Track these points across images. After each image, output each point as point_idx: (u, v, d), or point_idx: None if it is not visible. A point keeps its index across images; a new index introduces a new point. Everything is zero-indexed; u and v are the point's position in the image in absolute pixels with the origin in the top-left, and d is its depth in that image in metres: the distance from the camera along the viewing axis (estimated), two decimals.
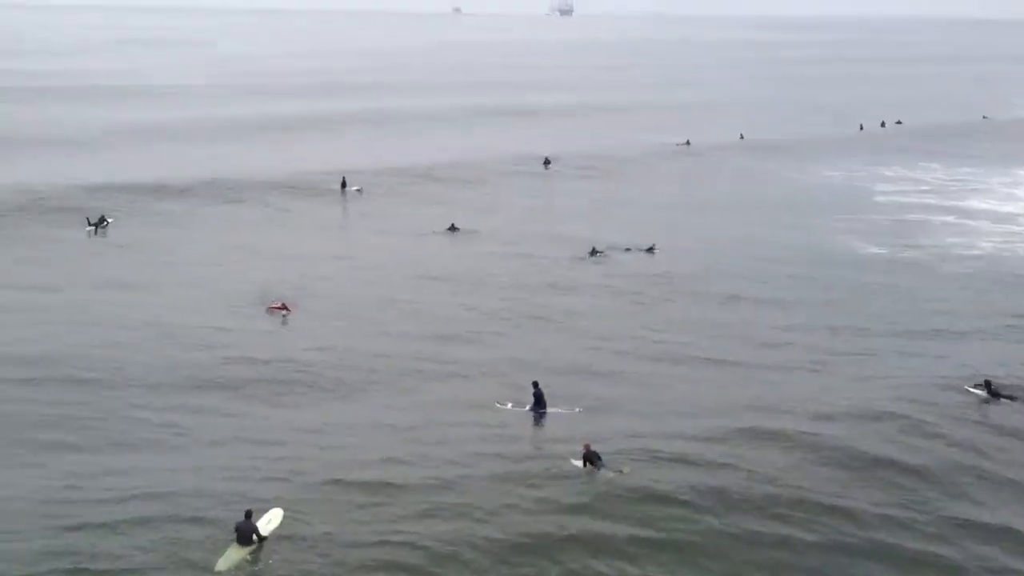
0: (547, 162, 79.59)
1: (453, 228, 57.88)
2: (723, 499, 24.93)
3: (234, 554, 22.05)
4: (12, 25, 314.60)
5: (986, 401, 32.20)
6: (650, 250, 54.01)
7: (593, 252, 53.26)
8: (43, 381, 32.73)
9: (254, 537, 22.37)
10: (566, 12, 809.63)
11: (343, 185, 67.00)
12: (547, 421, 30.97)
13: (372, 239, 56.51)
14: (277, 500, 24.14)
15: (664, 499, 24.90)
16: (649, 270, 50.48)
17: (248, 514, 22.71)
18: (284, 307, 40.98)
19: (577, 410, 31.53)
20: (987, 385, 32.50)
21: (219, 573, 21.50)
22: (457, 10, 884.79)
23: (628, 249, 54.18)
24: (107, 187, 61.73)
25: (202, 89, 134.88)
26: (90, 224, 55.33)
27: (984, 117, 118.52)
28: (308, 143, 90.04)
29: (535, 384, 31.66)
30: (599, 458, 26.43)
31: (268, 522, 23.03)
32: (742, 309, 43.98)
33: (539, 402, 31.27)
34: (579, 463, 26.46)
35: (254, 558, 22.08)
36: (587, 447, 26.63)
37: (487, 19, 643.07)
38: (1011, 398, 32.20)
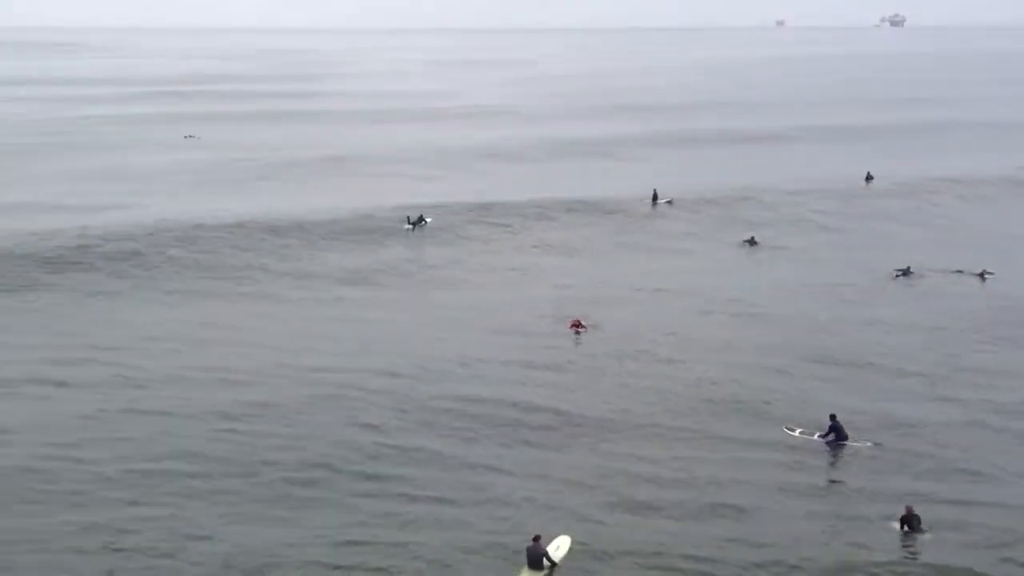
0: (869, 178, 75.80)
1: (753, 241, 56.82)
2: None
3: None
4: (318, 54, 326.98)
5: None
6: (982, 275, 49.71)
7: (905, 272, 50.02)
8: (362, 372, 34.87)
9: (544, 561, 22.56)
10: (897, 23, 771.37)
11: (654, 198, 67.24)
12: (843, 454, 29.37)
13: (676, 250, 56.42)
14: (566, 525, 24.37)
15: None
16: (975, 296, 46.76)
17: (536, 538, 22.87)
18: (580, 324, 41.09)
19: (868, 444, 29.62)
20: None
21: None
22: (780, 23, 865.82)
23: (960, 271, 50.35)
24: (431, 204, 63.77)
25: (525, 109, 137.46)
26: (409, 223, 58.74)
27: None
28: (623, 160, 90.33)
29: (832, 416, 30.08)
30: (920, 521, 24.62)
31: (556, 548, 23.22)
32: None
33: (838, 433, 29.71)
34: (896, 525, 24.78)
35: None
36: (909, 509, 24.80)
37: (811, 32, 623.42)
38: None
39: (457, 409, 32.10)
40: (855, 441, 29.71)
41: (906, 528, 24.50)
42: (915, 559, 23.41)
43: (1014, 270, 50.66)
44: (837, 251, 55.91)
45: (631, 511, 25.45)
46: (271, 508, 25.45)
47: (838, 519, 25.27)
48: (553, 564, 22.62)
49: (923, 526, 24.39)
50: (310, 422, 30.78)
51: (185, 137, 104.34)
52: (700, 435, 30.59)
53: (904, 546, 23.97)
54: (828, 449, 29.55)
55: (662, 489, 26.68)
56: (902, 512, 24.68)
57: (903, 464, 28.48)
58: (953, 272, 50.34)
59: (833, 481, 27.95)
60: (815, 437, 29.92)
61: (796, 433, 30.31)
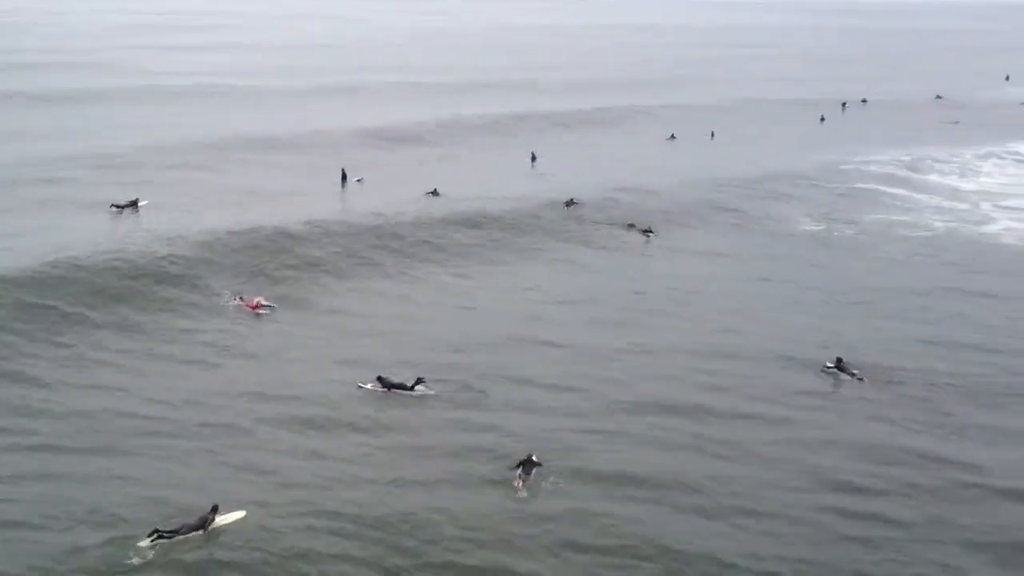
0: (534, 158, 77.66)
1: (435, 193, 58.58)
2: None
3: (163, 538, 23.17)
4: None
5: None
6: (646, 232, 53.39)
7: (569, 203, 55.74)
8: None
9: (208, 528, 23.53)
10: None
11: (343, 178, 63.68)
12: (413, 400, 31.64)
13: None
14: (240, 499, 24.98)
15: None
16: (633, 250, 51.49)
17: (214, 508, 23.94)
18: (260, 305, 40.38)
19: (431, 391, 31.97)
20: (838, 362, 34.89)
21: (138, 547, 22.74)
22: None
23: (632, 225, 54.28)
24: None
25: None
26: (117, 206, 52.10)
27: None
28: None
29: (379, 377, 32.30)
30: (534, 466, 26.41)
31: (227, 519, 23.99)
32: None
33: (386, 383, 32.04)
34: (517, 471, 26.39)
35: (172, 543, 23.10)
36: (529, 456, 26.60)
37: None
38: (852, 375, 34.42)
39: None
40: (424, 387, 31.99)
41: (521, 470, 26.26)
42: (522, 499, 25.51)
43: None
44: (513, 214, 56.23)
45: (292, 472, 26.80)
46: None
47: (439, 461, 27.47)
48: (198, 531, 23.46)
49: (536, 467, 26.34)
50: None
51: None
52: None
53: (517, 487, 25.97)
54: (386, 394, 31.76)
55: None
56: (521, 456, 26.63)
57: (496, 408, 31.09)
58: (625, 226, 54.27)
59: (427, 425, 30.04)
60: (375, 387, 31.94)
61: (368, 386, 32.08)
